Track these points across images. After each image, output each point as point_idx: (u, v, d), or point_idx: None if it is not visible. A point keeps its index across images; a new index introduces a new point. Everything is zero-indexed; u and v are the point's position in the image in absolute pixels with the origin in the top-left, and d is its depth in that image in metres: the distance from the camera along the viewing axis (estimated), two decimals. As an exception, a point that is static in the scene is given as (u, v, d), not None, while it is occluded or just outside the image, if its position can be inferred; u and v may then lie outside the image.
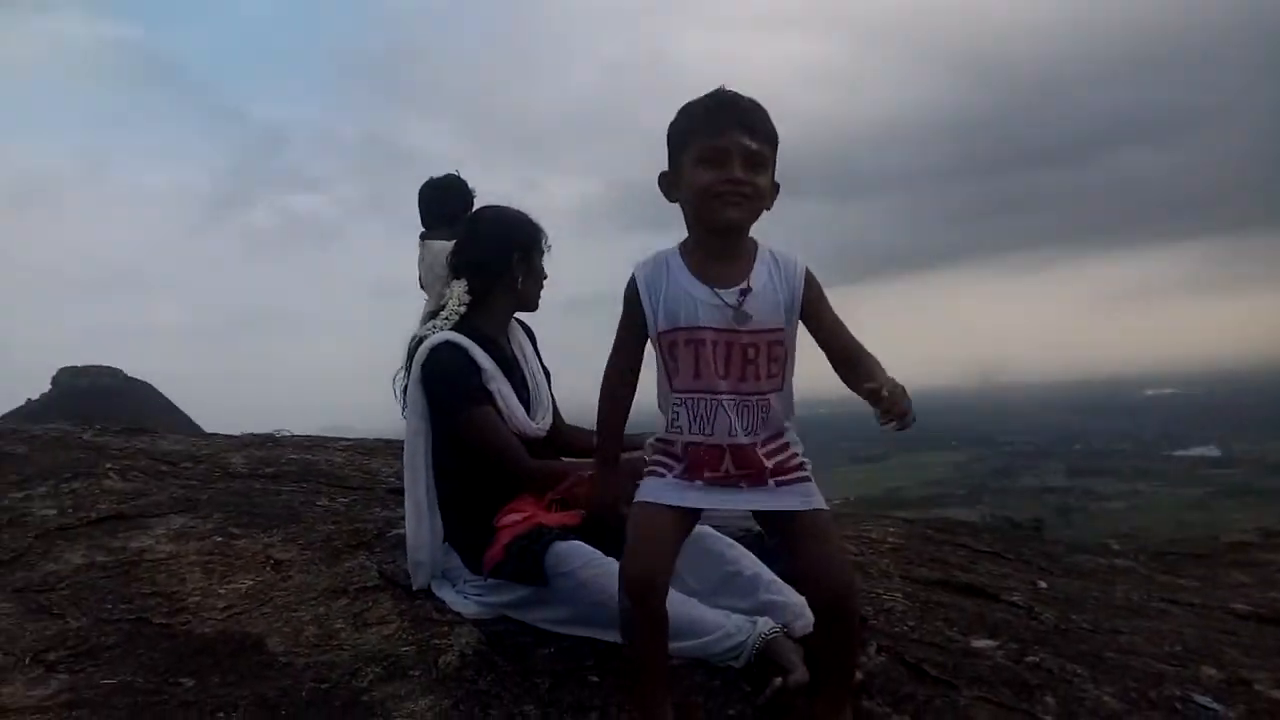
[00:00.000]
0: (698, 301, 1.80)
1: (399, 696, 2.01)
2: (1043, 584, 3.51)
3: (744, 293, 1.79)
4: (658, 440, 1.90)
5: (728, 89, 1.81)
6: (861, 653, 2.17)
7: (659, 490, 1.84)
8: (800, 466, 1.88)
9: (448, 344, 2.58)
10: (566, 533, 2.37)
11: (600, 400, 1.95)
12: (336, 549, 3.11)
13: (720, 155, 1.75)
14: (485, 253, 2.68)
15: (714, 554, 2.35)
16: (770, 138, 1.80)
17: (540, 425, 2.70)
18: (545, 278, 2.77)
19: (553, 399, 2.80)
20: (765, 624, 2.11)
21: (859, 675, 2.02)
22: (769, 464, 1.84)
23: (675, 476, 1.85)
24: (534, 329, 2.92)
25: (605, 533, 2.48)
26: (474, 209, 3.82)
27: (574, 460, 2.69)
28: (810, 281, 1.86)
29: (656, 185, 1.88)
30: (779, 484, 1.84)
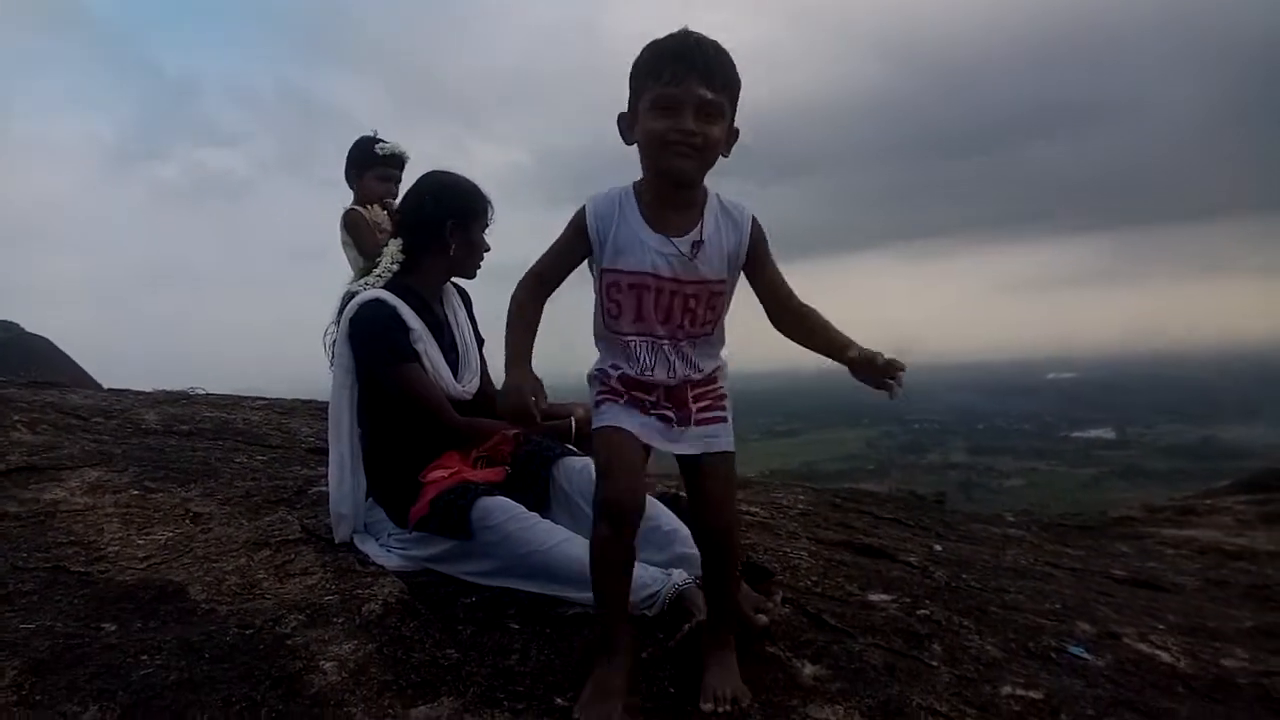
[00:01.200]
0: (648, 248, 1.82)
1: (323, 640, 2.06)
2: (938, 547, 3.72)
3: (696, 244, 1.82)
4: (596, 372, 1.95)
5: (691, 33, 1.78)
6: (770, 602, 2.30)
7: (618, 415, 1.89)
8: (721, 406, 1.95)
9: (376, 300, 2.62)
10: (492, 488, 2.44)
11: (511, 302, 1.88)
12: (256, 504, 3.13)
13: (674, 103, 1.74)
14: (421, 215, 2.71)
15: None
16: (729, 85, 1.78)
17: (466, 388, 2.75)
18: (487, 250, 2.81)
19: (483, 364, 2.85)
20: (679, 575, 2.23)
21: (765, 620, 2.15)
22: (695, 407, 1.91)
23: (627, 400, 1.91)
24: (471, 295, 2.97)
25: (530, 489, 2.57)
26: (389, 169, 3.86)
27: (498, 420, 2.76)
28: (757, 232, 1.89)
29: (616, 125, 1.87)
30: (699, 422, 1.91)
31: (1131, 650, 2.49)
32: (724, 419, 1.95)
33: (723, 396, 1.97)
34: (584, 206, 1.88)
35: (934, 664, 2.19)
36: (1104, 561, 4.35)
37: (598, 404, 1.94)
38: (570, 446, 2.71)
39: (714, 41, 1.78)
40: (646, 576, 2.24)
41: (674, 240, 1.82)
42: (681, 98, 1.73)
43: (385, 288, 2.67)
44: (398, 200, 3.55)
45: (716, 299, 1.88)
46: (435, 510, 2.43)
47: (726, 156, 1.85)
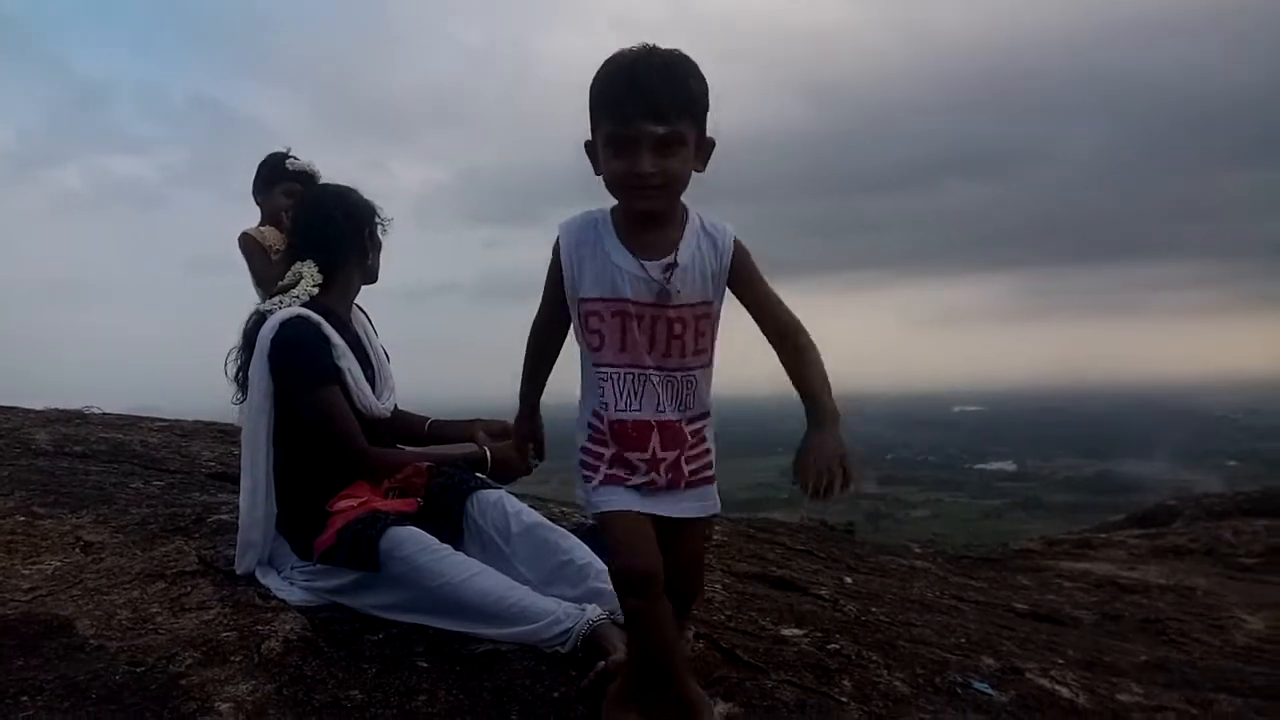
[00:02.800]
0: (624, 273, 1.74)
1: (219, 681, 1.97)
2: (848, 579, 3.77)
3: (669, 267, 1.73)
4: (589, 420, 1.82)
5: (640, 58, 1.66)
6: (682, 639, 2.28)
7: (618, 497, 1.78)
8: (709, 464, 1.85)
9: (299, 318, 2.54)
10: (403, 519, 2.38)
11: (527, 350, 1.88)
12: (152, 533, 3.00)
13: (628, 145, 1.65)
14: (336, 231, 2.66)
15: (548, 544, 2.43)
16: (687, 108, 1.66)
17: (385, 405, 2.71)
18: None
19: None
20: (593, 611, 2.20)
21: None
22: (686, 454, 1.81)
23: (603, 479, 1.79)
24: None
25: (443, 522, 2.52)
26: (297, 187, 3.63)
27: (413, 449, 2.71)
28: (740, 251, 1.80)
29: (584, 151, 1.77)
30: (689, 485, 1.82)
31: (1033, 685, 2.55)
32: (711, 479, 1.86)
33: (709, 451, 1.86)
34: (558, 234, 1.80)
35: (844, 700, 2.20)
36: (1006, 594, 4.47)
37: (591, 481, 1.80)
38: (483, 477, 2.67)
39: (665, 61, 1.66)
40: (560, 612, 2.21)
41: (647, 265, 1.73)
42: (635, 137, 1.64)
43: (307, 306, 2.61)
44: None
45: (704, 323, 1.79)
46: (342, 541, 2.35)
47: (702, 171, 1.76)
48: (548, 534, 2.46)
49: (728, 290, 1.81)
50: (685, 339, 1.77)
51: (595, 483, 1.79)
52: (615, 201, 1.78)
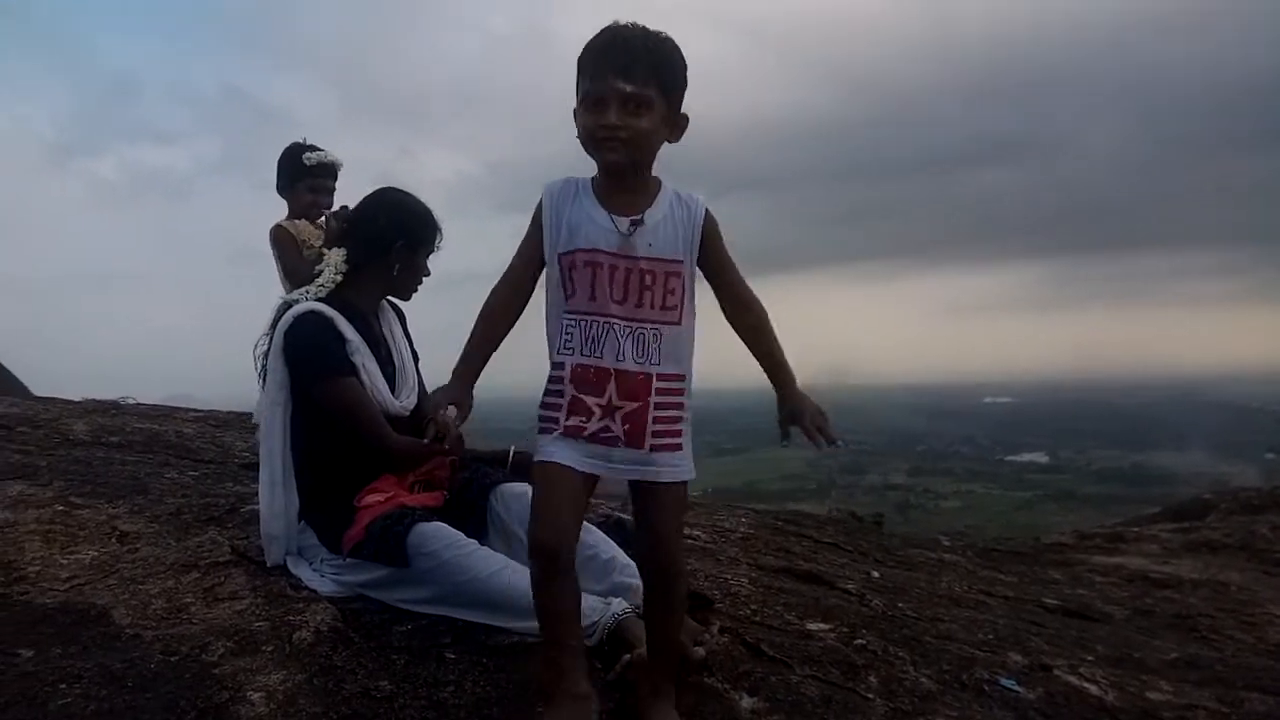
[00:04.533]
0: (596, 225, 1.84)
1: (251, 670, 2.01)
2: (875, 574, 3.76)
3: (635, 223, 1.84)
4: (550, 372, 1.88)
5: (619, 27, 1.82)
6: (707, 633, 2.29)
7: (551, 449, 1.85)
8: (677, 430, 1.89)
9: (313, 313, 2.57)
10: (429, 514, 2.40)
11: (478, 316, 1.91)
12: (186, 523, 3.04)
13: (598, 99, 1.79)
14: (371, 230, 2.68)
15: None
16: (657, 75, 1.80)
17: (404, 404, 2.71)
18: (427, 275, 2.79)
19: (420, 381, 2.82)
20: (618, 605, 2.21)
21: (703, 653, 2.15)
22: (652, 413, 1.84)
23: (562, 428, 1.84)
24: (405, 312, 2.94)
25: (468, 515, 2.53)
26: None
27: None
28: (710, 219, 1.91)
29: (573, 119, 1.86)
30: (653, 449, 1.85)
31: (1062, 683, 2.53)
32: (679, 446, 1.89)
33: (681, 419, 1.90)
34: (541, 194, 1.91)
35: (869, 696, 2.20)
36: (1036, 589, 4.43)
37: (540, 431, 1.89)
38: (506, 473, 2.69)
39: (643, 32, 1.82)
40: (585, 606, 2.21)
41: (615, 218, 1.85)
42: (604, 92, 1.78)
43: (324, 300, 2.63)
44: (342, 207, 3.47)
45: (674, 280, 1.86)
46: (371, 536, 2.38)
47: (674, 142, 1.90)
48: None
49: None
50: (654, 291, 1.85)
51: (555, 434, 1.85)
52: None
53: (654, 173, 1.92)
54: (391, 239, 2.65)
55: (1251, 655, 3.39)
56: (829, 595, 3.08)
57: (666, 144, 1.89)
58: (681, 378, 1.90)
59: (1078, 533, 7.04)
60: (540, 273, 1.92)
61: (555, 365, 1.88)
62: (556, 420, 1.86)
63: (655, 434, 1.85)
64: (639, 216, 1.85)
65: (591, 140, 1.82)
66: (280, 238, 3.69)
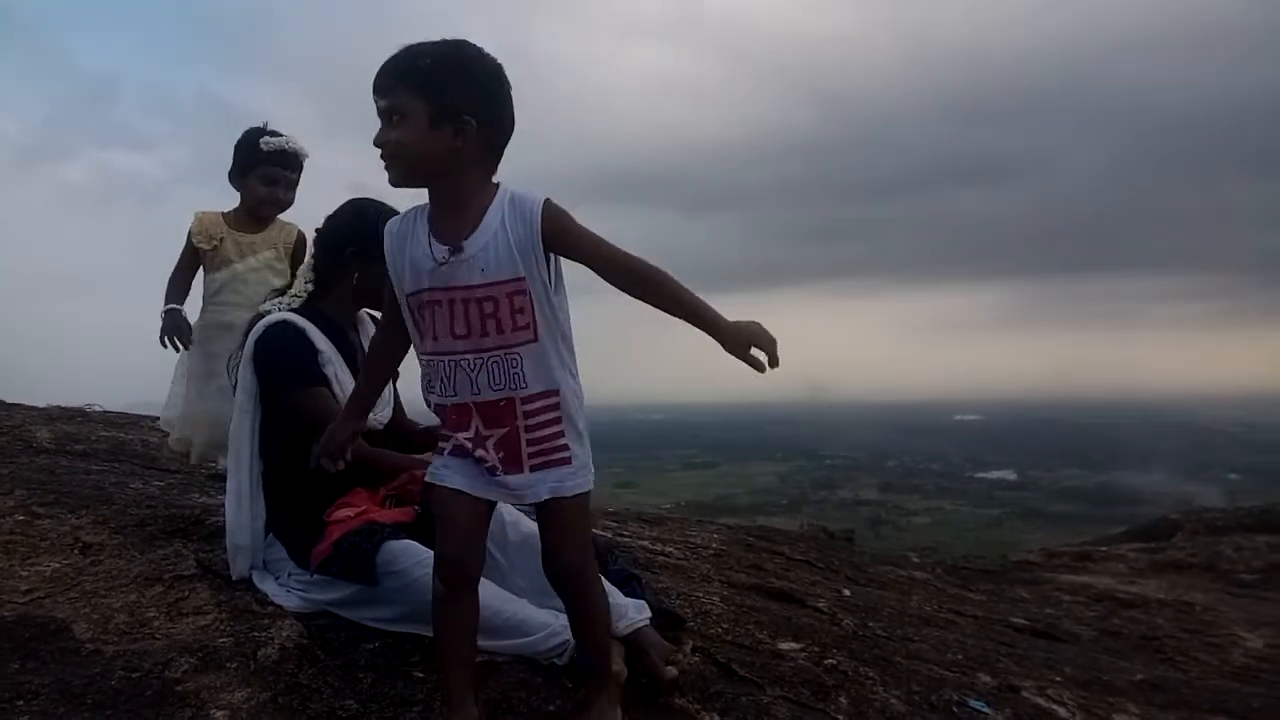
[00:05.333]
0: (422, 261, 1.76)
1: (215, 688, 1.97)
2: (847, 592, 3.77)
3: (454, 250, 1.74)
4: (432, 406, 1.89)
5: (395, 49, 1.75)
6: (680, 652, 2.28)
7: (439, 470, 1.84)
8: (561, 445, 1.81)
9: (283, 322, 2.55)
10: (399, 530, 2.37)
11: (366, 357, 2.00)
12: (151, 534, 2.99)
13: (380, 119, 1.74)
14: (329, 239, 2.66)
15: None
16: (409, 82, 1.71)
17: (378, 417, 2.68)
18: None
19: (396, 394, 2.79)
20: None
21: (675, 672, 2.14)
22: (525, 440, 1.79)
23: (451, 449, 1.83)
24: None
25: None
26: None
27: (410, 455, 2.69)
28: (549, 214, 1.76)
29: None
30: (534, 468, 1.80)
31: (1030, 704, 2.55)
32: (567, 460, 1.82)
33: (562, 434, 1.81)
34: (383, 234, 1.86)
35: (839, 717, 2.20)
36: (1005, 607, 4.46)
37: (443, 452, 1.86)
38: None
39: (405, 48, 1.74)
40: (556, 625, 2.20)
41: (440, 246, 1.75)
42: (378, 113, 1.74)
43: (297, 311, 2.60)
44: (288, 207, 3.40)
45: (520, 299, 1.74)
46: (339, 552, 2.34)
47: (486, 151, 1.78)
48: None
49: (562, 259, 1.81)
50: (500, 317, 1.74)
51: (444, 453, 1.84)
52: None
53: (496, 178, 1.81)
54: (343, 246, 2.63)
55: (1216, 677, 3.43)
56: (800, 614, 3.08)
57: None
58: (555, 393, 1.80)
59: (1046, 551, 7.10)
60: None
61: (431, 405, 1.88)
62: (449, 441, 1.84)
63: (532, 455, 1.80)
64: (459, 245, 1.74)
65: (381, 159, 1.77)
66: (191, 230, 3.33)
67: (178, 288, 3.35)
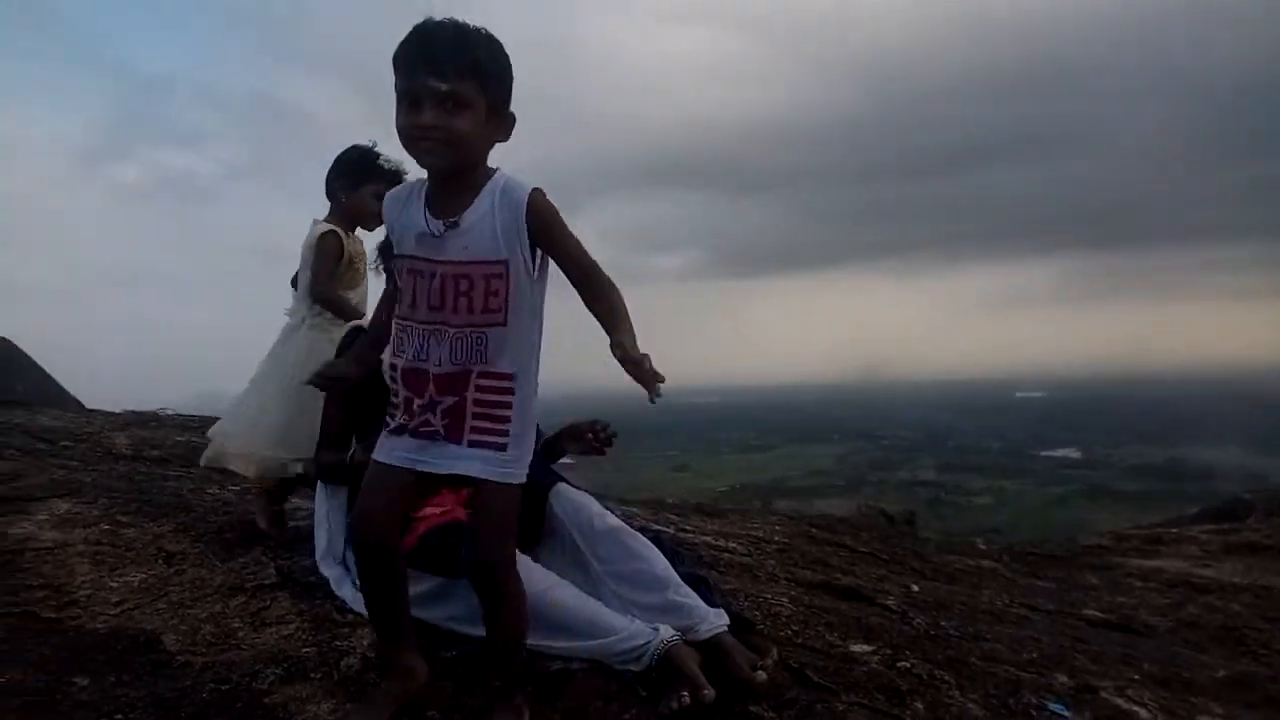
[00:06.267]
0: (416, 230, 1.82)
1: (300, 699, 2.02)
2: (915, 587, 3.73)
3: (450, 225, 1.79)
4: (389, 368, 1.93)
5: (430, 22, 1.74)
6: (767, 659, 2.26)
7: (383, 446, 1.91)
8: (502, 431, 1.85)
9: None
10: None
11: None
12: (229, 542, 3.08)
13: (412, 98, 1.73)
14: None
15: (629, 550, 2.40)
16: (472, 72, 1.73)
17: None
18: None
19: None
20: (666, 631, 2.19)
21: (764, 676, 2.14)
22: (470, 414, 1.84)
23: (393, 429, 1.89)
24: None
25: (525, 520, 2.54)
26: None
27: None
28: (536, 205, 1.80)
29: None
30: (473, 443, 1.84)
31: (1109, 706, 2.50)
32: (504, 445, 1.85)
33: (508, 419, 1.85)
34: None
35: (916, 724, 2.18)
36: (1077, 596, 4.39)
37: (387, 428, 1.93)
38: (558, 472, 2.68)
39: (455, 27, 1.74)
40: (633, 629, 2.21)
41: (431, 222, 1.81)
42: (417, 91, 1.72)
43: None
44: None
45: (496, 282, 1.79)
46: (425, 545, 2.38)
47: (504, 140, 1.84)
48: (629, 540, 2.45)
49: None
50: (473, 296, 1.80)
51: (386, 431, 1.91)
52: None
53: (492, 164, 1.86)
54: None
55: (1302, 672, 3.34)
56: (870, 613, 3.06)
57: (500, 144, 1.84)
58: (510, 376, 1.84)
59: (1115, 534, 6.96)
60: None
61: (390, 366, 1.92)
62: (392, 417, 1.91)
63: (474, 429, 1.84)
64: (455, 219, 1.79)
65: (408, 140, 1.77)
66: (328, 247, 3.25)
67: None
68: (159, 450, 4.55)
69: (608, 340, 1.75)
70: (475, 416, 1.84)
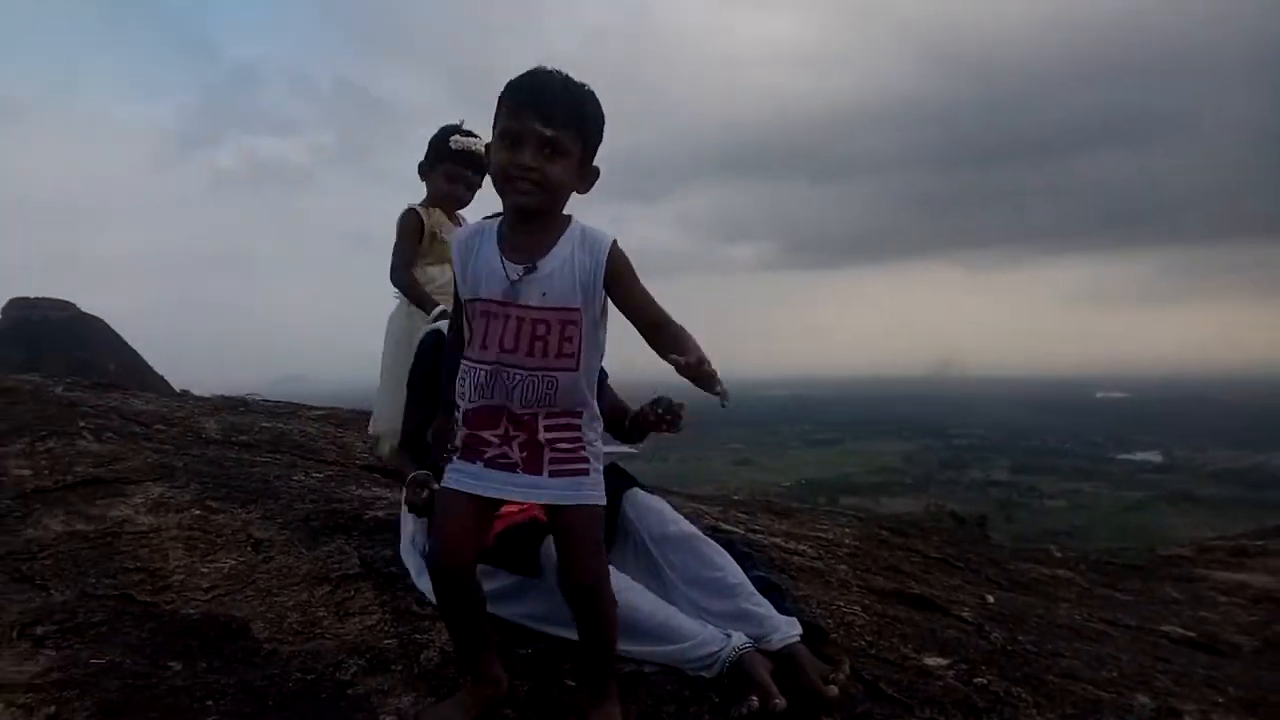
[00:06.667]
0: (492, 272, 1.85)
1: (383, 691, 2.08)
2: (990, 598, 3.67)
3: (528, 270, 1.83)
4: (455, 407, 1.95)
5: (541, 70, 1.83)
6: (840, 672, 2.26)
7: (448, 477, 1.92)
8: (581, 458, 1.91)
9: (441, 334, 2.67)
10: None
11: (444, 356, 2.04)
12: (315, 530, 3.16)
13: (515, 137, 1.79)
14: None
15: (702, 556, 2.41)
16: (574, 123, 1.81)
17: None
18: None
19: (604, 375, 2.83)
20: (739, 638, 2.21)
21: (835, 690, 2.14)
22: (547, 447, 1.88)
23: (460, 459, 1.92)
24: None
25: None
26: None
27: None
28: (615, 256, 1.86)
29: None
30: (553, 474, 1.89)
31: (1193, 731, 2.44)
32: (585, 471, 1.91)
33: (582, 448, 1.92)
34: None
35: (992, 742, 2.16)
36: (1157, 610, 4.27)
37: (444, 458, 1.96)
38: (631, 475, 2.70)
39: (565, 79, 1.83)
40: (706, 635, 2.23)
41: (511, 266, 1.84)
42: (520, 132, 1.78)
43: None
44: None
45: (571, 329, 1.85)
46: (502, 543, 2.42)
47: (584, 193, 1.90)
48: (702, 546, 2.46)
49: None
50: (549, 341, 1.84)
51: (453, 462, 1.92)
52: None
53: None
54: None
55: (1399, 702, 3.21)
56: (945, 624, 3.03)
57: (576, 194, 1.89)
58: (578, 415, 1.91)
59: (1197, 544, 6.74)
60: None
61: (455, 406, 1.93)
62: (456, 451, 1.93)
63: (553, 460, 1.89)
64: (532, 264, 1.83)
65: (504, 178, 1.82)
66: (407, 224, 3.30)
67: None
68: (246, 436, 4.69)
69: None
70: (551, 449, 1.89)
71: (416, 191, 3.43)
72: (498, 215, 1.96)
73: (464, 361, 1.91)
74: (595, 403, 1.96)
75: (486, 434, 1.89)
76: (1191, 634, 3.83)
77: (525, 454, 1.88)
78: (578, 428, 1.91)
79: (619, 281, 1.87)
